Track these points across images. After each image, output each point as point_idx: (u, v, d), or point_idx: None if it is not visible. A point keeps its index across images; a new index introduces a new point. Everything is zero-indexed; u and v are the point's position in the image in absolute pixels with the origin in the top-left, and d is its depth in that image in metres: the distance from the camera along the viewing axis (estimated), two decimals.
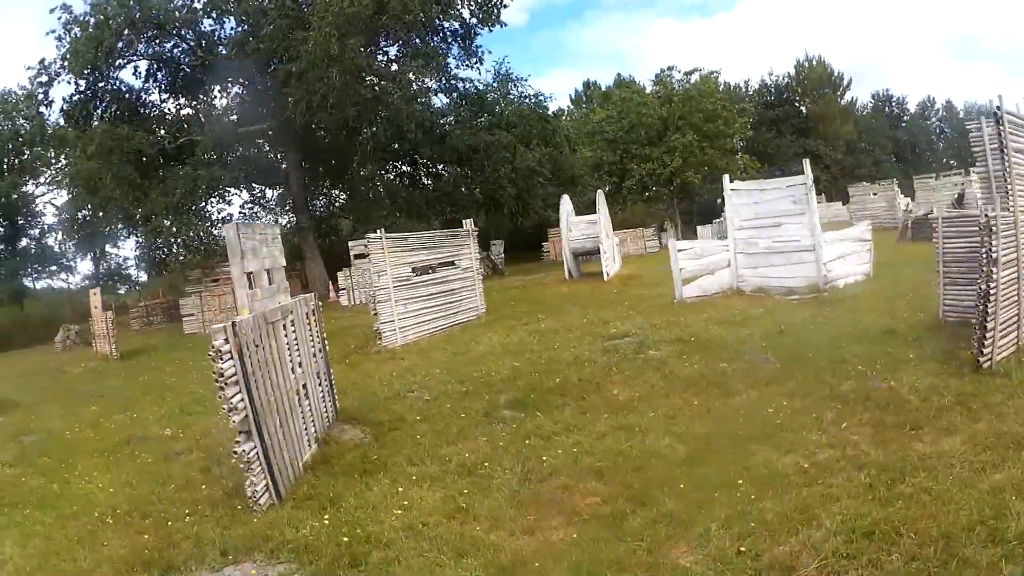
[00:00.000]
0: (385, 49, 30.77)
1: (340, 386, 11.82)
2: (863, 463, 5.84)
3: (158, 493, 7.31)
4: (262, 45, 27.90)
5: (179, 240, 28.49)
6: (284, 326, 7.57)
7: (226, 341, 6.16)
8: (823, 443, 6.43)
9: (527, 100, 36.97)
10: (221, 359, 6.08)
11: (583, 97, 71.83)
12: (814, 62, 69.18)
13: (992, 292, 7.95)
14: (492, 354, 13.06)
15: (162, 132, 31.22)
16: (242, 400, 6.21)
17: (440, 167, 37.31)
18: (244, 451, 6.25)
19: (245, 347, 6.32)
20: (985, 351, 8.06)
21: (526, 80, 37.26)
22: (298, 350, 7.91)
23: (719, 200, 58.16)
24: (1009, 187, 8.47)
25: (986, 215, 8.37)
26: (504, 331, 15.70)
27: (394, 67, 29.23)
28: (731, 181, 17.01)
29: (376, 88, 29.62)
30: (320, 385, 8.69)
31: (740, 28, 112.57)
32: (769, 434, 6.81)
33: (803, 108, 68.04)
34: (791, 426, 6.95)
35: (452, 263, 17.98)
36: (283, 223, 47.26)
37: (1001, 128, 8.41)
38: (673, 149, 46.46)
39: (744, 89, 67.79)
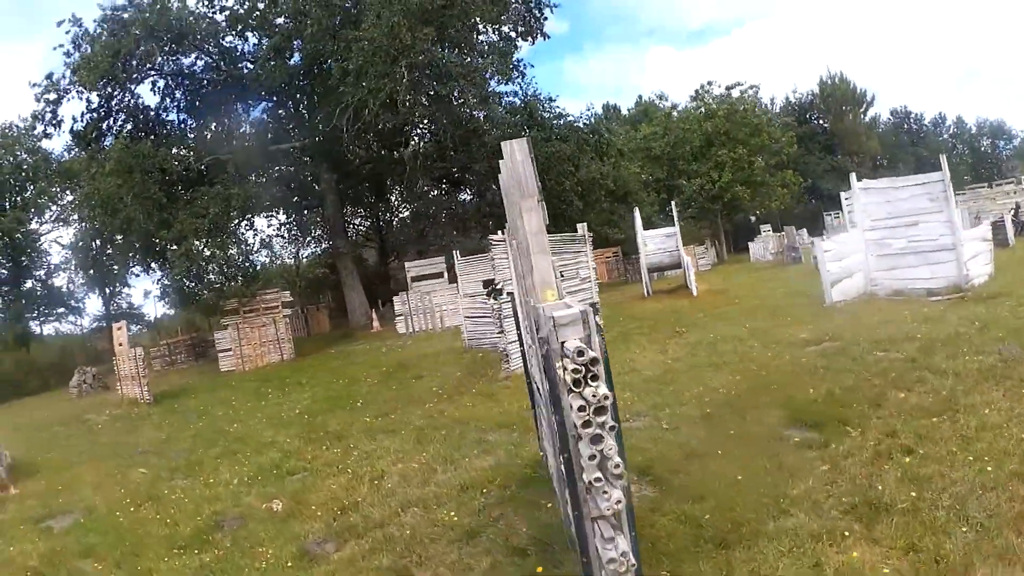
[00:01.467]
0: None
1: (507, 422, 9.06)
2: None
3: None
4: (305, 47, 24.97)
5: (214, 265, 24.98)
6: None
7: (587, 341, 2.94)
8: None
9: (562, 119, 34.27)
10: (591, 377, 2.86)
11: (603, 119, 69.79)
12: (837, 79, 68.94)
13: None
14: (676, 372, 10.50)
15: (183, 152, 28.24)
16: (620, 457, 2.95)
17: (485, 184, 34.48)
18: (624, 553, 2.97)
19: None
20: None
21: (554, 101, 34.62)
22: None
23: (752, 218, 56.45)
24: None
25: None
26: (655, 346, 13.19)
27: (467, 61, 26.23)
28: (853, 186, 15.70)
29: (446, 88, 26.55)
30: None
31: (739, 52, 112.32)
32: None
33: (827, 125, 68.05)
34: None
35: (560, 275, 14.94)
36: (304, 252, 44.41)
37: None
38: (722, 164, 44.65)
39: (771, 106, 66.17)
